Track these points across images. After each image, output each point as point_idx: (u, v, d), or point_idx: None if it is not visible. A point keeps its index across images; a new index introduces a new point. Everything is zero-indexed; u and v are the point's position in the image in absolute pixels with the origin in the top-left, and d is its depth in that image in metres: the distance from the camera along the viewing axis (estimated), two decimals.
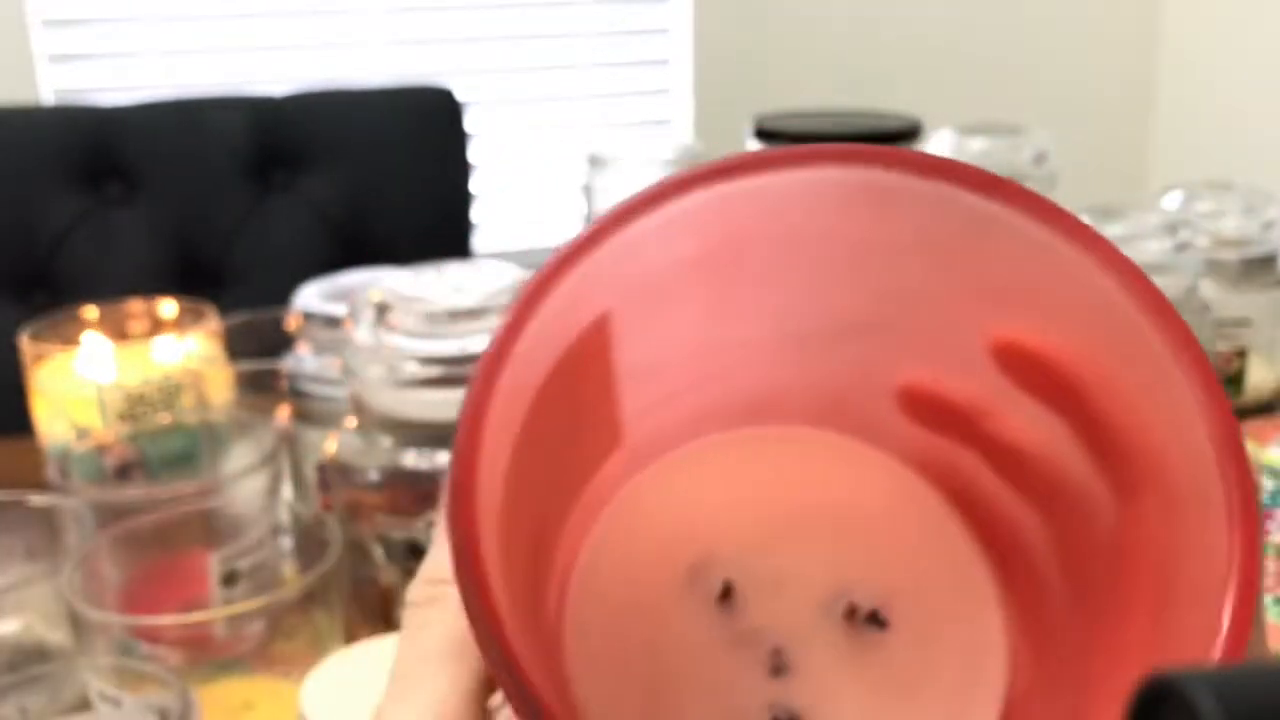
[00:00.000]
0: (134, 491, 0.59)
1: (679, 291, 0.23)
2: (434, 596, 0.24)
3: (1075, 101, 2.03)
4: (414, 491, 0.53)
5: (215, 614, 0.51)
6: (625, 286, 0.23)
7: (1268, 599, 0.61)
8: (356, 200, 1.22)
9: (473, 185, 1.29)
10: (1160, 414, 0.21)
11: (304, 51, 1.67)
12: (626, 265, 0.22)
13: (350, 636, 0.52)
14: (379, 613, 0.55)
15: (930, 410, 0.25)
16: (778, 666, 0.24)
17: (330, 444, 0.57)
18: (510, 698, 0.19)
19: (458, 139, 1.26)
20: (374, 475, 0.54)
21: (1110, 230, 0.77)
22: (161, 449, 0.63)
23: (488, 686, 0.23)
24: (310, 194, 1.21)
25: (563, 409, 0.22)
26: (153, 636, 0.48)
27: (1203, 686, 0.16)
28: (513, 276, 0.56)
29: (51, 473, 0.60)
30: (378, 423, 0.54)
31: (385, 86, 1.28)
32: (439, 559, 0.24)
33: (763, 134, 0.85)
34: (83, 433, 0.65)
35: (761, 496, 0.25)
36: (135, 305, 0.73)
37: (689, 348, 0.25)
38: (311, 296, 0.67)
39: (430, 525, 0.53)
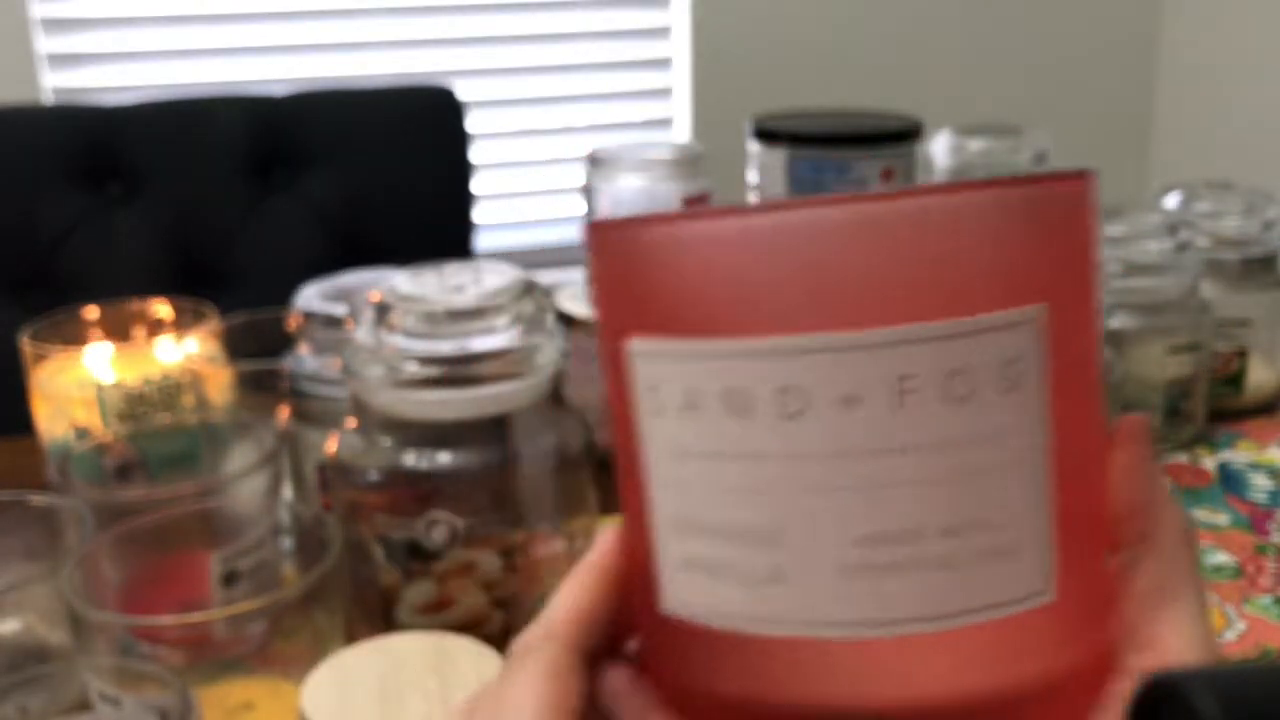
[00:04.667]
0: (134, 491, 0.59)
1: None
2: (532, 646, 0.27)
3: (1075, 101, 2.03)
4: (414, 491, 0.53)
5: (215, 614, 0.51)
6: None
7: (1268, 599, 0.61)
8: (356, 200, 1.22)
9: (473, 185, 1.29)
10: None
11: (304, 51, 1.67)
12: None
13: (350, 636, 0.52)
14: (379, 613, 0.55)
15: None
16: None
17: (330, 444, 0.57)
18: None
19: (458, 139, 1.26)
20: (374, 475, 0.54)
21: (1110, 230, 0.77)
22: (161, 449, 0.63)
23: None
24: (310, 194, 1.21)
25: None
26: (153, 636, 0.48)
27: (1203, 687, 0.16)
28: (513, 276, 0.56)
29: (51, 473, 0.60)
30: (378, 423, 0.54)
31: (386, 86, 1.28)
32: (547, 615, 0.28)
33: (763, 134, 0.85)
34: (83, 433, 0.65)
35: None
36: (135, 305, 0.73)
37: None
38: (311, 296, 0.67)
39: (431, 525, 0.53)
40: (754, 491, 0.24)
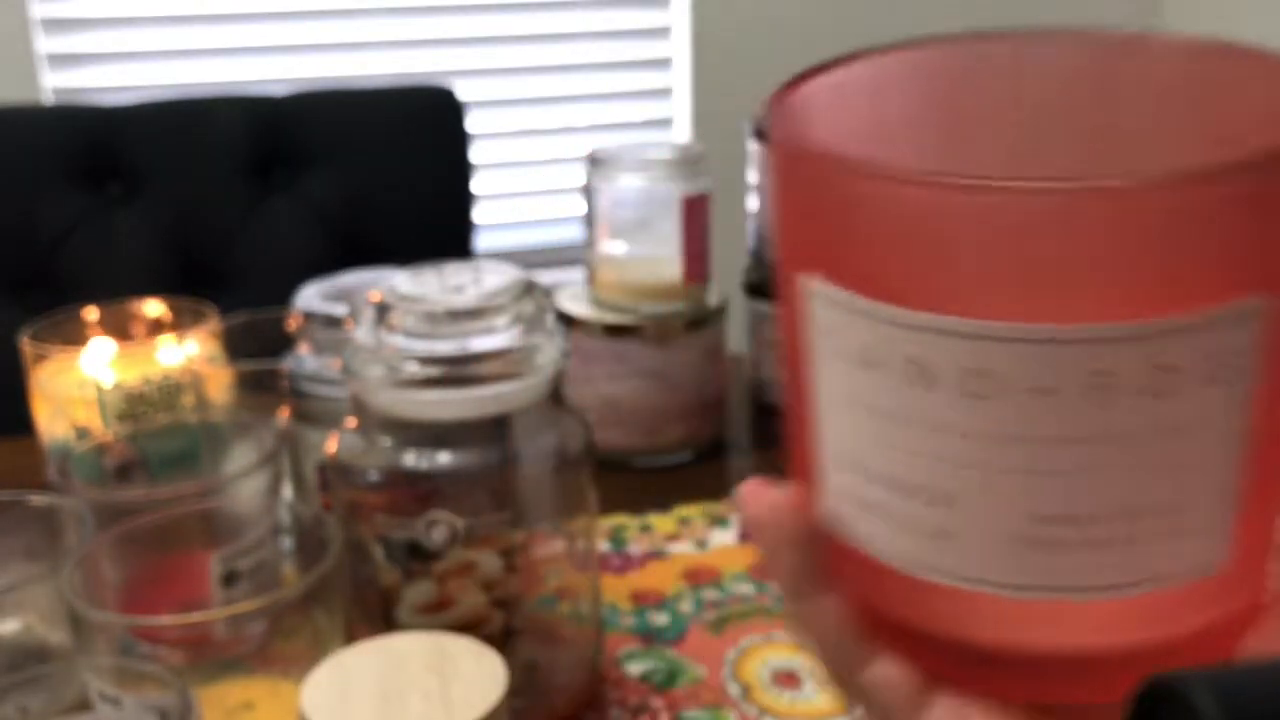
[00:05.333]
0: (134, 491, 0.59)
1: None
2: None
3: None
4: (414, 491, 0.53)
5: (215, 614, 0.51)
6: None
7: None
8: (356, 200, 1.22)
9: (473, 185, 1.29)
10: None
11: (304, 51, 1.67)
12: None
13: (350, 636, 0.52)
14: (379, 613, 0.55)
15: None
16: None
17: (330, 444, 0.57)
18: None
19: (458, 139, 1.26)
20: (374, 475, 0.54)
21: None
22: (161, 449, 0.63)
23: None
24: (310, 194, 1.21)
25: None
26: (153, 636, 0.48)
27: (1203, 687, 0.16)
28: (513, 276, 0.56)
29: (51, 473, 0.60)
30: (378, 423, 0.54)
31: (386, 86, 1.28)
32: None
33: (763, 134, 0.85)
34: (83, 433, 0.65)
35: None
36: (135, 305, 0.73)
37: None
38: (311, 296, 0.67)
39: (431, 525, 0.53)
40: (929, 457, 0.23)
